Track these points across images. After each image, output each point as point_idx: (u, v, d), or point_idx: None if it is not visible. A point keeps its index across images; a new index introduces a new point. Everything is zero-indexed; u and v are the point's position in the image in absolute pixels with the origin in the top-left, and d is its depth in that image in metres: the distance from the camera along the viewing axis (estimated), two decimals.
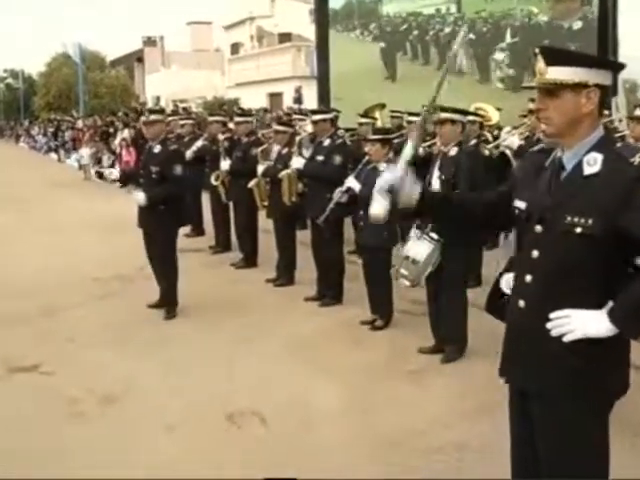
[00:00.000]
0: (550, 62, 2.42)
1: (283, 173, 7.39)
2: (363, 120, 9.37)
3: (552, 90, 2.42)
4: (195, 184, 9.77)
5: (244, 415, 4.57)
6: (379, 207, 2.90)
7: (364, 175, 6.33)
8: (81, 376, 5.25)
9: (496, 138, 7.63)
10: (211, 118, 10.14)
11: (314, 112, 7.53)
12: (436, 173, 5.42)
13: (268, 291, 7.74)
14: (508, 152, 6.87)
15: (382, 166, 6.21)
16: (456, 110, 5.43)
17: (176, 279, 6.91)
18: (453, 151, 5.38)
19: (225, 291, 7.72)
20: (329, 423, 4.45)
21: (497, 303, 4.19)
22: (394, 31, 15.93)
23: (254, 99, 27.97)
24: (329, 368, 5.39)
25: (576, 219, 2.37)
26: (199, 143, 9.73)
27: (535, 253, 2.52)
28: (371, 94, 12.83)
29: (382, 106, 10.81)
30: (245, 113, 9.96)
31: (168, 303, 6.86)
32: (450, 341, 5.50)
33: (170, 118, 11.20)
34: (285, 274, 7.94)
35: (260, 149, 8.21)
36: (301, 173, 7.26)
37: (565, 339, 2.41)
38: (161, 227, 6.70)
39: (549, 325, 2.45)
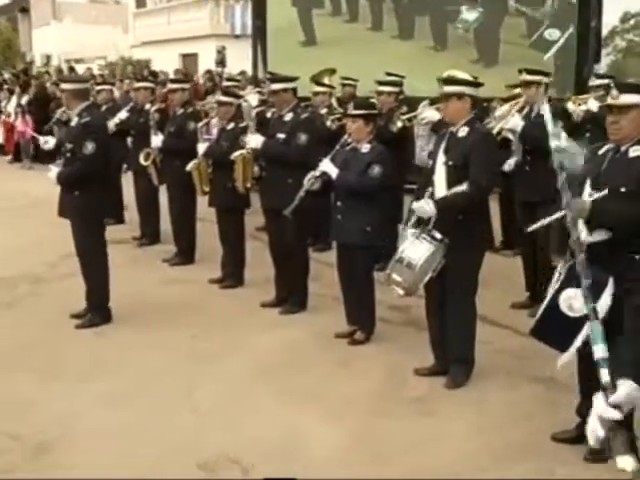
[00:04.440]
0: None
1: (237, 154, 6.83)
2: (318, 89, 8.87)
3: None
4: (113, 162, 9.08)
5: (220, 462, 4.07)
6: None
7: (342, 158, 5.85)
8: None
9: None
10: (137, 84, 9.42)
11: (273, 80, 6.96)
12: (441, 157, 4.98)
13: (214, 294, 7.22)
14: (511, 136, 6.48)
15: (364, 147, 5.76)
16: (464, 82, 5.01)
17: (101, 280, 6.38)
18: (463, 131, 4.96)
19: (162, 294, 7.16)
20: (336, 471, 3.96)
21: (552, 327, 3.83)
22: None
23: (165, 60, 26.95)
24: (314, 396, 4.94)
25: None
26: (122, 114, 9.03)
27: None
28: (286, 63, 11.84)
29: (332, 72, 10.33)
30: (180, 79, 9.29)
31: (92, 309, 6.35)
32: (456, 361, 5.12)
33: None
34: (233, 273, 7.44)
35: (201, 124, 7.61)
36: (259, 154, 6.72)
37: None
38: (77, 216, 6.20)
39: None
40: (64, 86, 6.36)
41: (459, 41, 12.36)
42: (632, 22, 21.08)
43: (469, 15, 12.28)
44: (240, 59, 20.02)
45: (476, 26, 12.21)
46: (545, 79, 6.55)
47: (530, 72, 6.62)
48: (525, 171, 6.51)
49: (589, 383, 4.07)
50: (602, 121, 4.19)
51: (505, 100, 7.55)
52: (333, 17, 13.60)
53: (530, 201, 6.43)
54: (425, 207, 4.88)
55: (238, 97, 7.82)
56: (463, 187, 4.86)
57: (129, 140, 9.37)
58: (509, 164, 6.67)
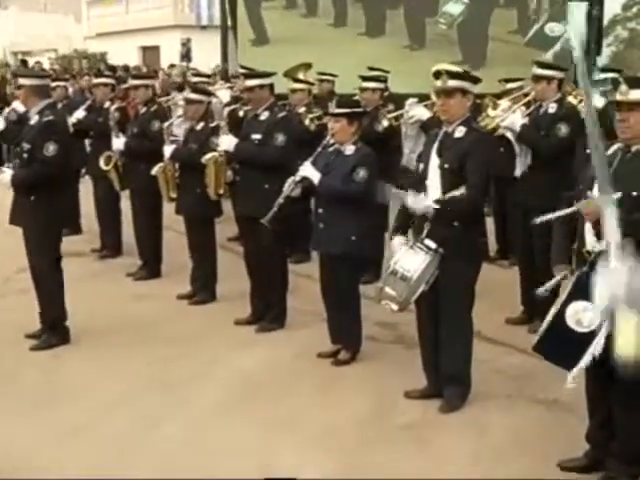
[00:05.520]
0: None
1: (208, 157, 6.83)
2: (296, 86, 8.87)
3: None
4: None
5: None
6: None
7: (324, 161, 5.86)
8: None
9: None
10: (96, 80, 9.39)
11: (247, 75, 6.96)
12: (435, 160, 4.99)
13: (183, 311, 7.20)
14: (510, 135, 6.48)
15: (348, 149, 5.77)
16: (468, 76, 5.05)
17: (56, 297, 6.32)
18: (460, 132, 4.98)
19: (126, 312, 7.11)
20: None
21: (557, 344, 3.85)
22: None
23: (123, 53, 26.86)
24: (295, 424, 4.94)
25: None
26: (79, 113, 8.99)
27: None
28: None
29: (308, 66, 10.31)
30: (143, 74, 9.29)
31: (47, 328, 6.31)
32: (451, 383, 5.13)
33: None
34: (204, 288, 7.43)
35: (167, 124, 7.61)
36: (232, 156, 6.72)
37: None
38: (31, 224, 6.16)
39: None
40: (23, 81, 6.30)
41: (439, 39, 11.86)
42: (635, 10, 21.09)
43: (453, 8, 11.74)
44: (207, 52, 20.03)
45: (461, 20, 11.73)
46: (558, 74, 6.54)
47: (542, 65, 6.63)
48: (525, 175, 6.52)
49: (599, 405, 4.11)
50: (607, 119, 4.22)
51: (499, 97, 7.59)
52: (287, 11, 12.97)
53: (527, 206, 6.45)
54: (421, 202, 4.86)
55: (209, 94, 7.81)
56: (460, 191, 4.87)
57: (87, 142, 9.35)
58: (518, 169, 6.60)
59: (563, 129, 6.25)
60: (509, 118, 6.47)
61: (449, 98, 4.97)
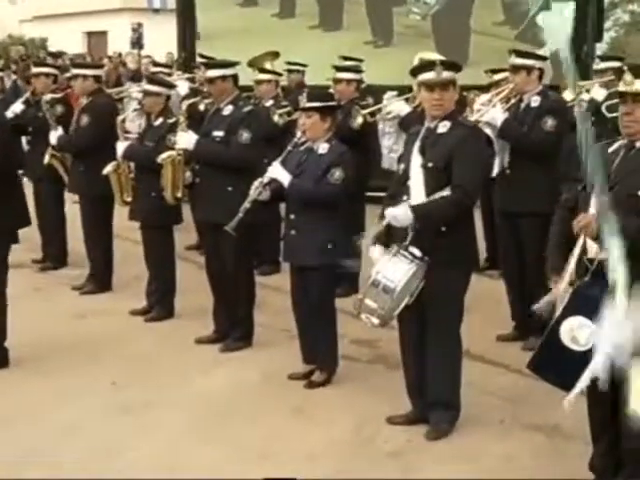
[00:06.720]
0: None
1: (164, 156, 6.82)
2: (262, 77, 8.90)
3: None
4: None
5: None
6: None
7: (294, 161, 5.88)
8: None
9: None
10: (36, 70, 9.33)
11: (208, 65, 6.98)
12: (417, 159, 5.01)
13: (138, 328, 7.21)
14: (489, 132, 6.48)
15: (321, 147, 5.79)
16: (460, 67, 5.14)
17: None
18: (444, 127, 5.01)
19: (73, 330, 7.12)
20: None
21: (553, 362, 3.87)
22: None
23: (66, 40, 26.76)
24: (266, 453, 4.94)
25: None
26: (17, 107, 8.93)
27: None
28: None
29: (275, 55, 10.32)
30: (85, 63, 9.29)
31: None
32: (438, 406, 5.15)
33: None
34: (160, 303, 7.46)
35: (120, 118, 7.62)
36: (191, 155, 6.72)
37: None
38: None
39: None
40: None
41: (410, 33, 11.50)
42: None
43: None
44: (161, 39, 20.00)
45: (437, 10, 11.44)
46: (539, 64, 6.58)
47: (521, 54, 6.68)
48: (505, 175, 6.53)
49: (604, 430, 4.14)
50: (609, 112, 4.29)
51: (484, 89, 7.65)
52: None
53: (510, 211, 6.48)
54: (399, 214, 4.87)
55: (168, 86, 7.77)
56: (445, 193, 4.90)
57: (24, 140, 9.30)
58: (495, 169, 6.61)
59: (550, 122, 6.26)
60: (489, 112, 6.47)
61: (445, 91, 4.99)
